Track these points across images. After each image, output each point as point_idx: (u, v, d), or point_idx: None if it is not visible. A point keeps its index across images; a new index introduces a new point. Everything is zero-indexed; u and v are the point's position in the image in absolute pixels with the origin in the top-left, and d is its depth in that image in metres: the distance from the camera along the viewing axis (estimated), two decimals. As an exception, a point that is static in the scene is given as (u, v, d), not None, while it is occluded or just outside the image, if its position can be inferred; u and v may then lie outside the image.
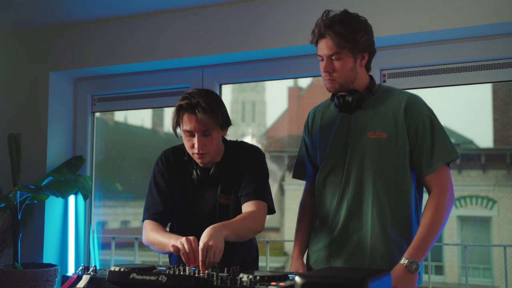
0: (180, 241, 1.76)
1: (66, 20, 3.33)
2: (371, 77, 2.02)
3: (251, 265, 2.16)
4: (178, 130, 2.03)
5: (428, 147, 1.90)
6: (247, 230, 1.92)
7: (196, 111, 1.91)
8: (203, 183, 2.06)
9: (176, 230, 2.14)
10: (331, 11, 1.94)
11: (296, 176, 2.23)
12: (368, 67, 2.00)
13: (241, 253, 2.08)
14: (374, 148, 1.92)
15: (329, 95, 2.08)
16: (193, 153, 2.00)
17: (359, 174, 1.94)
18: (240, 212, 2.00)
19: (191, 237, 1.77)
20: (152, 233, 1.99)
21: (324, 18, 1.92)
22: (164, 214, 2.06)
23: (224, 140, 2.11)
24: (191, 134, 1.96)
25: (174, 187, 2.10)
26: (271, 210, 2.09)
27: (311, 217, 2.15)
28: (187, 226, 2.09)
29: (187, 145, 2.01)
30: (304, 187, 2.22)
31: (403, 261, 1.82)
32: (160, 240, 1.94)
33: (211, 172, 2.03)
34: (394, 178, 1.91)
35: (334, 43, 1.87)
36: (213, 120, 1.93)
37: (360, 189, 1.93)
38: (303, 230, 2.15)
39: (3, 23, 3.41)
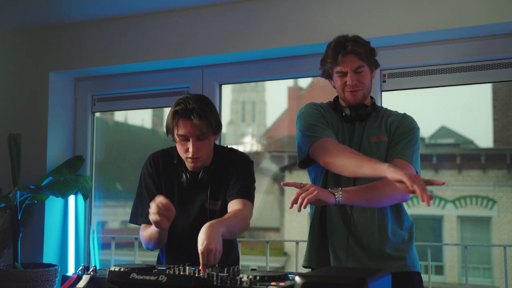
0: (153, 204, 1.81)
1: (66, 20, 3.33)
2: (372, 98, 2.19)
3: (235, 263, 2.19)
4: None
5: (404, 144, 2.02)
6: (238, 227, 1.94)
7: (192, 116, 1.96)
8: (192, 187, 2.09)
9: None
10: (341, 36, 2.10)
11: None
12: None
13: (228, 251, 2.10)
14: (377, 150, 2.04)
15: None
16: (186, 158, 2.04)
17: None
18: None
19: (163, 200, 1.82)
20: (142, 233, 2.06)
21: (340, 39, 2.07)
22: None
23: (214, 145, 2.15)
24: (185, 138, 2.00)
25: (163, 189, 2.13)
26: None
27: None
28: (173, 230, 2.10)
29: (181, 150, 2.05)
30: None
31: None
32: (147, 233, 2.01)
33: (199, 176, 2.07)
34: None
35: (360, 58, 2.03)
36: (207, 125, 1.98)
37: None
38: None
39: (3, 23, 3.41)
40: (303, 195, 1.74)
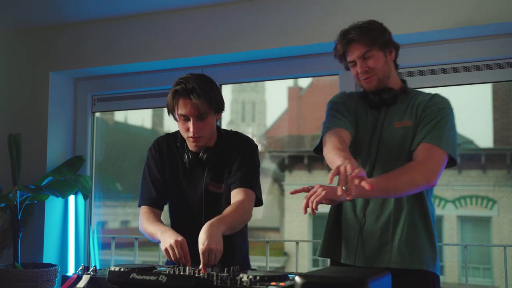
0: (170, 244, 1.78)
1: (66, 20, 3.33)
2: (403, 81, 2.08)
3: (243, 259, 2.17)
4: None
5: (432, 125, 1.91)
6: (239, 222, 1.94)
7: (192, 96, 1.95)
8: (194, 167, 2.08)
9: (170, 214, 2.17)
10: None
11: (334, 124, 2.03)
12: (396, 68, 2.07)
13: (232, 248, 2.09)
14: (400, 136, 1.96)
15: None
16: (187, 137, 2.03)
17: (386, 162, 1.95)
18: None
19: (179, 239, 1.79)
20: (145, 223, 2.04)
21: (344, 29, 2.01)
22: (158, 199, 2.11)
23: (218, 128, 2.14)
24: (186, 118, 1.99)
25: (167, 172, 2.13)
26: (259, 202, 2.09)
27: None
28: (179, 210, 2.13)
29: (182, 129, 2.04)
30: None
31: None
32: (150, 230, 1.98)
33: (200, 155, 2.05)
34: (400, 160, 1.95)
35: (364, 44, 1.96)
36: (207, 104, 1.97)
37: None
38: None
39: (3, 23, 3.41)
40: (311, 198, 1.71)
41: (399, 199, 1.94)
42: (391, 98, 2.00)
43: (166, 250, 1.80)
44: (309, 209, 1.71)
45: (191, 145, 2.07)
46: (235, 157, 2.07)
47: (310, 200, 1.70)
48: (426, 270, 1.93)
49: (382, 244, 1.95)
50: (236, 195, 2.00)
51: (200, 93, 1.95)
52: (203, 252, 1.70)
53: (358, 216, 2.00)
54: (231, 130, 2.19)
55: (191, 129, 1.98)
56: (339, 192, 1.61)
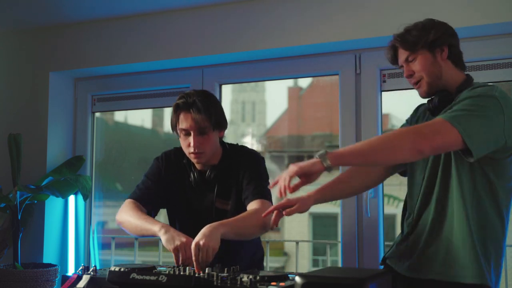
0: (181, 244, 1.77)
1: (66, 20, 3.33)
2: (467, 76, 1.85)
3: (256, 267, 2.14)
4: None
5: (450, 107, 1.72)
6: (248, 227, 1.90)
7: (191, 110, 1.95)
8: (200, 186, 2.07)
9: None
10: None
11: None
12: (458, 64, 1.86)
13: (245, 255, 2.08)
14: None
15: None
16: (189, 153, 2.02)
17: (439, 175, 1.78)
18: None
19: (189, 240, 1.78)
20: (131, 212, 2.01)
21: (395, 34, 1.90)
22: (146, 202, 2.08)
23: (223, 143, 2.12)
24: (187, 132, 1.99)
25: (172, 188, 2.12)
26: None
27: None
28: (187, 228, 2.09)
29: (183, 144, 2.03)
30: None
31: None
32: (139, 222, 1.95)
33: (207, 174, 2.05)
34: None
35: (405, 49, 1.85)
36: (207, 119, 1.97)
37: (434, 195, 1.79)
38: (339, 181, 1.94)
39: (3, 23, 3.41)
40: (284, 175, 1.63)
41: (441, 208, 1.76)
42: (442, 100, 1.79)
43: (175, 249, 1.77)
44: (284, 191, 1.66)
45: (194, 161, 2.06)
46: (243, 173, 2.05)
47: (283, 178, 1.63)
48: (468, 283, 1.70)
49: (425, 255, 1.79)
50: (251, 206, 1.98)
51: (200, 107, 1.95)
52: (193, 248, 1.69)
53: (406, 226, 1.88)
54: (237, 144, 2.17)
55: (191, 144, 1.98)
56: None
